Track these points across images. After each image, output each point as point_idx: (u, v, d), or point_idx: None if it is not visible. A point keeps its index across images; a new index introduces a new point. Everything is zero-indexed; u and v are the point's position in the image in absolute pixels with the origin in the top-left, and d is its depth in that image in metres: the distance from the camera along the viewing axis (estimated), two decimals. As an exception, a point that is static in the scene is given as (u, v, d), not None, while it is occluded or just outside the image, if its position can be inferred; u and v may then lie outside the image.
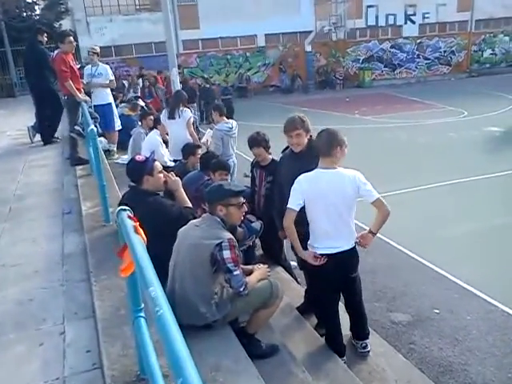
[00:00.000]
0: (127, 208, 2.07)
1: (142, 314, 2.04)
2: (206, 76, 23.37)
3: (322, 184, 3.35)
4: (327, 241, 3.44)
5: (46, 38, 8.31)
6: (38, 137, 8.79)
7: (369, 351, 3.87)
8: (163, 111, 7.61)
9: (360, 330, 3.91)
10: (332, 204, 3.33)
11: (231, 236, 3.00)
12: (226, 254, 2.91)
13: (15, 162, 7.72)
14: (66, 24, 25.30)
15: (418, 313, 5.03)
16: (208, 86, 19.11)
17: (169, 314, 1.21)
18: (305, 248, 3.56)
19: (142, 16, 26.23)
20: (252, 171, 5.17)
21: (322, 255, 3.44)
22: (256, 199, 5.01)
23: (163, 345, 1.18)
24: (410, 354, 4.36)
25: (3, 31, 22.19)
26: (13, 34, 22.36)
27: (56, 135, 8.87)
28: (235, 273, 2.95)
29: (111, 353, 2.55)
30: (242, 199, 3.19)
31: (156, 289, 1.34)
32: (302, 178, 3.42)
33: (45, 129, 8.63)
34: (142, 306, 2.05)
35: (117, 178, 6.02)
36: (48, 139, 8.62)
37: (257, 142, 4.87)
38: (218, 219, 3.08)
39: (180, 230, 3.19)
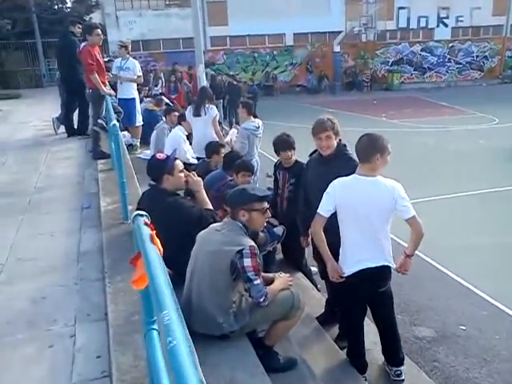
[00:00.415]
0: (144, 213, 1.92)
1: (155, 327, 1.89)
2: (231, 73, 23.23)
3: (356, 191, 3.16)
4: (356, 252, 3.25)
5: (79, 29, 8.24)
6: (62, 128, 8.78)
7: (403, 380, 3.57)
8: (188, 108, 7.49)
9: (393, 353, 3.65)
10: (364, 212, 3.14)
11: (253, 243, 2.85)
12: (247, 261, 2.76)
13: (38, 152, 7.72)
14: (95, 17, 25.52)
15: (443, 328, 4.81)
16: (235, 83, 18.90)
17: (183, 346, 1.03)
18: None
19: (171, 11, 26.29)
20: (275, 173, 5.01)
21: (349, 276, 3.26)
22: (278, 202, 4.86)
23: (175, 379, 1.02)
24: (433, 372, 4.16)
25: (35, 23, 22.52)
26: (44, 26, 22.71)
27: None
28: (255, 282, 2.81)
29: (121, 362, 2.42)
30: (266, 204, 3.03)
31: (170, 313, 1.16)
32: (337, 182, 3.24)
33: (69, 121, 8.60)
34: (155, 317, 1.90)
35: (138, 173, 5.92)
36: (72, 131, 8.58)
37: (289, 144, 4.71)
38: (240, 224, 2.93)
39: (199, 233, 3.05)
